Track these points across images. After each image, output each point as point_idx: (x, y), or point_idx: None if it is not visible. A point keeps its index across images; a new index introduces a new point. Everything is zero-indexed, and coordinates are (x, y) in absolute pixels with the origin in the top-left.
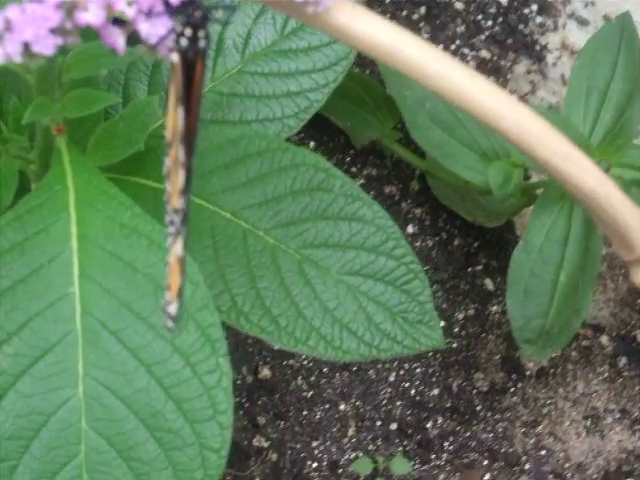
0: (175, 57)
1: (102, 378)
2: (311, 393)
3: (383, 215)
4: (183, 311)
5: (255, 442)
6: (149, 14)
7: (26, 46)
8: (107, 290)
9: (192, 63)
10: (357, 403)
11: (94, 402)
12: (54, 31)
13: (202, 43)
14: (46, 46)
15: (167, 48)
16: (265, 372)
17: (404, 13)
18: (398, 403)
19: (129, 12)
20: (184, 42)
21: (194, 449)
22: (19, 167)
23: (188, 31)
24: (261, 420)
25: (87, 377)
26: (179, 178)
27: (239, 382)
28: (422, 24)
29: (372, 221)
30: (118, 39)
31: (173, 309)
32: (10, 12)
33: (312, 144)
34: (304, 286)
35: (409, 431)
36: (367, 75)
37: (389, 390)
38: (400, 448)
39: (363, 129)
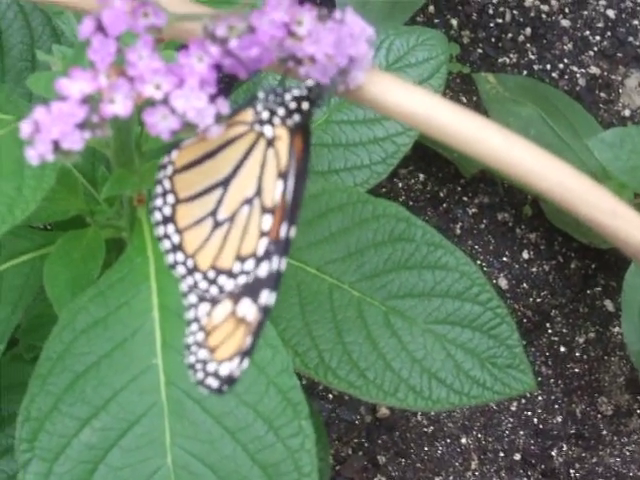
0: (282, 132)
1: (189, 447)
2: (431, 428)
3: (466, 262)
4: (242, 373)
5: None
6: (181, 88)
7: (56, 144)
8: None
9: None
10: (479, 435)
11: (183, 471)
12: (81, 126)
13: (308, 119)
14: (74, 142)
15: (207, 123)
16: (384, 410)
17: (509, 36)
18: (521, 433)
19: (158, 95)
20: (297, 117)
21: None
22: (111, 235)
23: (305, 105)
24: (381, 459)
25: (174, 446)
26: (252, 243)
27: (357, 422)
28: (528, 45)
29: (456, 268)
30: (162, 122)
31: (225, 370)
32: (37, 113)
33: (421, 176)
34: (391, 337)
35: (533, 461)
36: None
37: (511, 420)
38: (525, 479)
39: (470, 159)
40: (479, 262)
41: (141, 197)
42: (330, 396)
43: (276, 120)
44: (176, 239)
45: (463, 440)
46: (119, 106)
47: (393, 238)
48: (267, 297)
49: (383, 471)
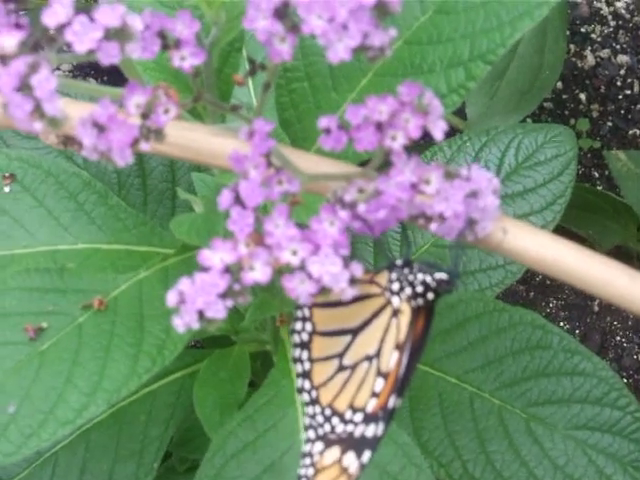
0: (406, 307)
1: None
2: None
3: (603, 367)
4: None
5: None
6: (317, 254)
7: (200, 313)
8: None
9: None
10: None
11: None
12: (223, 295)
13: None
14: (217, 311)
15: (341, 287)
16: None
17: (639, 107)
18: None
19: (295, 261)
20: (421, 302)
21: None
22: (255, 349)
23: (431, 296)
24: None
25: None
26: (364, 398)
27: None
28: None
29: (593, 373)
30: (301, 286)
31: None
32: (182, 285)
33: None
34: (532, 445)
35: None
36: (592, 188)
37: None
38: None
39: (606, 235)
40: (618, 338)
41: (282, 318)
42: None
43: (403, 295)
44: (307, 366)
45: None
46: (259, 273)
47: (530, 346)
48: (368, 457)
49: None
